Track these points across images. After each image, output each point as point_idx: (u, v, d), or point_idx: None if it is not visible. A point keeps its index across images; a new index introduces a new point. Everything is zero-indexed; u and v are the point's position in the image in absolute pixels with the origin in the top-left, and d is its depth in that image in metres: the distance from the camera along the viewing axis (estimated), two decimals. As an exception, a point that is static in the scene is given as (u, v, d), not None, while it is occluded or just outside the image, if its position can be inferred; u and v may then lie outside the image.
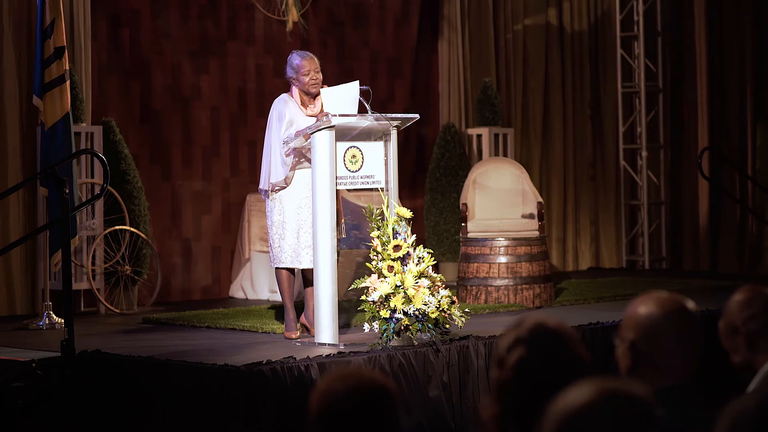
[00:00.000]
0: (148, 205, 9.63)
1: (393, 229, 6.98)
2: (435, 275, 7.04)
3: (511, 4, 12.12)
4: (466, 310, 7.18)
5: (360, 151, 7.24)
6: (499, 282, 9.09)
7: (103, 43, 9.89)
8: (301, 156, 7.45)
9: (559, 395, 2.28)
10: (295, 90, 7.57)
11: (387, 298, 6.83)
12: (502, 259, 9.11)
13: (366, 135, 7.29)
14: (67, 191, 6.86)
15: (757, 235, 12.17)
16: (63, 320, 7.49)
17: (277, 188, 7.46)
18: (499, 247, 9.15)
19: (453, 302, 7.00)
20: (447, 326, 6.99)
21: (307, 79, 7.49)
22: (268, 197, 7.53)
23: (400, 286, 6.85)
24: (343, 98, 7.30)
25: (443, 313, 6.92)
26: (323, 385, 2.63)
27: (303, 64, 7.51)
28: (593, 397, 2.24)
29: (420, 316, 6.83)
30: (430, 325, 6.86)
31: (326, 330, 7.02)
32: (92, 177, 9.33)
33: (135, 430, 6.33)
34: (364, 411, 2.59)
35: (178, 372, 6.37)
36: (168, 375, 6.38)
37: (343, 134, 7.16)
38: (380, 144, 7.35)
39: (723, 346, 3.53)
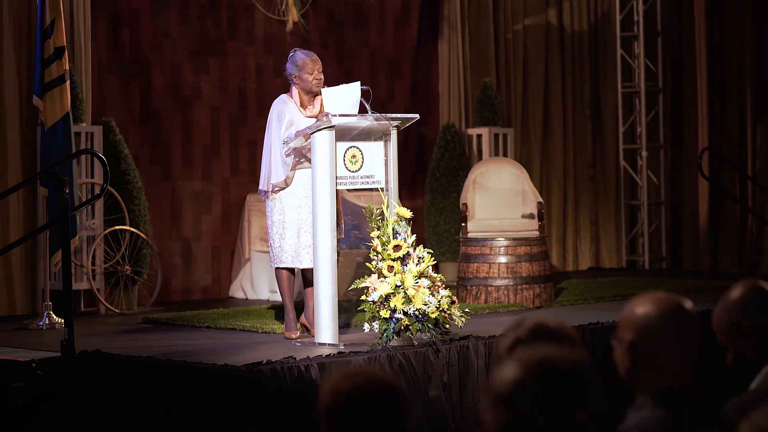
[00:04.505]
0: (148, 205, 9.63)
1: (393, 229, 6.99)
2: (435, 275, 7.04)
3: (511, 4, 12.12)
4: (466, 310, 7.18)
5: (360, 151, 7.24)
6: (499, 282, 9.10)
7: (103, 43, 9.89)
8: (301, 156, 7.45)
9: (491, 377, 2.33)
10: (294, 90, 7.57)
11: (387, 298, 6.83)
12: (502, 259, 9.12)
13: (366, 135, 7.29)
14: (67, 191, 6.86)
15: (757, 235, 12.17)
16: (63, 320, 7.48)
17: (277, 189, 7.47)
18: (499, 247, 9.15)
19: (453, 302, 7.00)
20: (447, 326, 6.99)
21: (310, 78, 7.49)
22: (268, 197, 7.53)
23: (400, 286, 6.85)
24: (343, 98, 7.30)
25: (443, 313, 6.92)
26: (332, 382, 2.64)
27: (307, 62, 7.51)
28: (522, 372, 2.28)
29: (420, 316, 6.83)
30: (430, 325, 6.87)
31: (326, 330, 7.02)
32: (92, 177, 9.33)
33: (135, 430, 6.33)
34: (372, 409, 2.60)
35: (178, 372, 6.38)
36: (168, 375, 6.38)
37: (343, 134, 7.17)
38: (380, 144, 7.35)
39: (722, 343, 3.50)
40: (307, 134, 7.19)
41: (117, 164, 9.31)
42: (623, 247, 12.78)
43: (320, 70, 7.54)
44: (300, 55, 7.56)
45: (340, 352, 6.72)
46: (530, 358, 2.33)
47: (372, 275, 6.93)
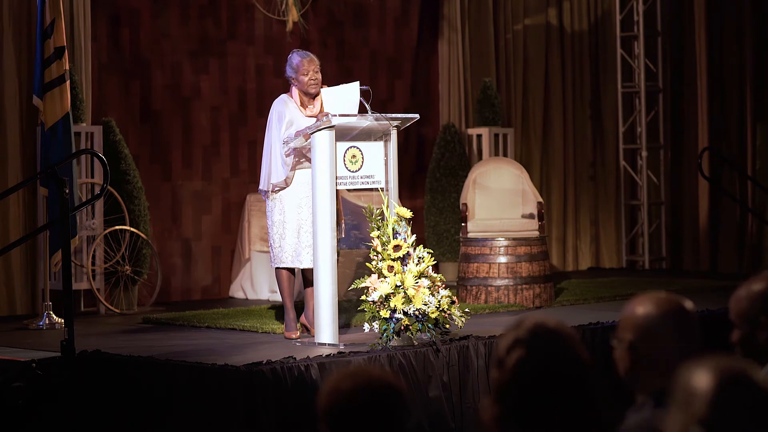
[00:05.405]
0: (148, 205, 9.63)
1: (393, 229, 6.99)
2: (435, 275, 7.04)
3: (511, 4, 12.12)
4: (466, 310, 7.18)
5: (360, 151, 7.24)
6: (499, 282, 9.10)
7: (103, 43, 9.89)
8: (301, 156, 7.46)
9: (681, 375, 2.22)
10: (294, 90, 7.57)
11: (387, 298, 6.83)
12: (502, 259, 9.11)
13: (366, 135, 7.29)
14: (67, 191, 6.86)
15: (757, 235, 12.17)
16: (63, 320, 7.48)
17: (277, 188, 7.47)
18: (499, 247, 9.15)
19: (453, 302, 7.01)
20: (447, 326, 6.99)
21: (306, 79, 7.49)
22: (268, 197, 7.53)
23: (400, 286, 6.85)
24: (343, 98, 7.30)
25: (443, 313, 6.92)
26: (333, 382, 2.64)
27: (302, 63, 7.51)
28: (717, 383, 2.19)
29: (420, 316, 6.83)
30: (430, 325, 6.87)
31: (326, 330, 7.02)
32: (92, 177, 9.33)
33: (135, 430, 6.33)
34: (372, 409, 2.60)
35: (178, 372, 6.38)
36: (168, 375, 6.38)
37: (343, 134, 7.17)
38: (380, 144, 7.35)
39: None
40: (307, 134, 7.19)
41: (117, 164, 9.31)
42: (623, 247, 12.78)
43: (316, 70, 7.53)
44: (296, 57, 7.57)
45: (340, 352, 6.72)
46: (726, 370, 2.23)
47: (372, 275, 6.93)
